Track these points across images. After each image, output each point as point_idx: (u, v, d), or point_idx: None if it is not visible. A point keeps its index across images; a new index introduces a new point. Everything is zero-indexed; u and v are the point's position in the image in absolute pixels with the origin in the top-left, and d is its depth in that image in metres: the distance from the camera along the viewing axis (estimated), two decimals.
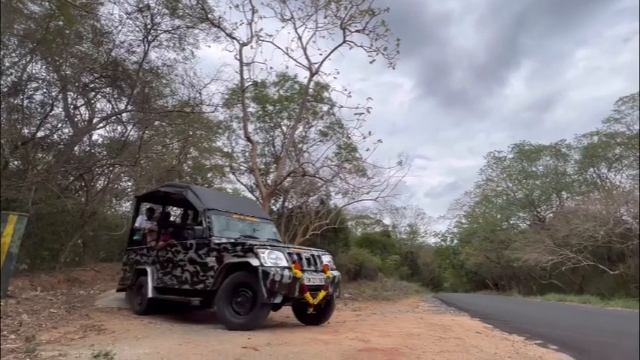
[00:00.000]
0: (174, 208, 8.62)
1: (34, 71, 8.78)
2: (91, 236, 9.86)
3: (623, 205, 17.25)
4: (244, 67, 11.36)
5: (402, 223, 37.18)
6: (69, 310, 5.19)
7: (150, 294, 5.38)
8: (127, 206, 13.75)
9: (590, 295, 15.26)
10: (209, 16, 10.61)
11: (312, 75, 11.59)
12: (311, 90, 13.70)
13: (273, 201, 15.36)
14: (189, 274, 4.96)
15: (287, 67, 13.88)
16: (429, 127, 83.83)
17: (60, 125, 9.65)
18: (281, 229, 13.28)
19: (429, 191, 68.81)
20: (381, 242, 26.60)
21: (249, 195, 16.21)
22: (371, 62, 10.85)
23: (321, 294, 4.61)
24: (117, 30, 9.49)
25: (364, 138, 11.42)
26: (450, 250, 39.50)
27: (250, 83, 11.91)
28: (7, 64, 8.09)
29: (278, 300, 4.20)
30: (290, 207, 16.20)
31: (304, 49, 11.30)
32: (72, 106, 9.82)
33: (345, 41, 11.00)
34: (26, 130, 8.61)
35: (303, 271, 4.47)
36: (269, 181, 14.58)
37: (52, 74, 8.98)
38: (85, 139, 10.32)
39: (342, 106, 12.35)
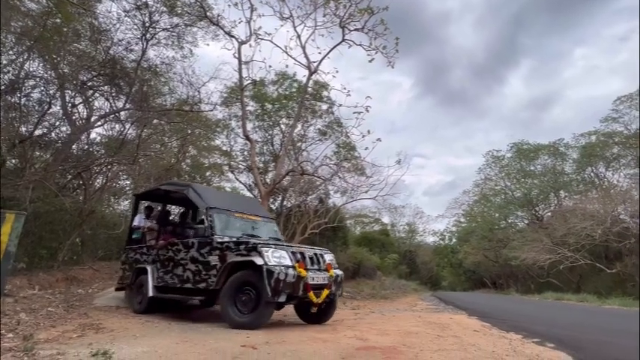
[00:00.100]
0: (173, 207, 8.60)
1: (31, 69, 8.74)
2: (89, 235, 9.83)
3: (621, 204, 17.33)
4: (243, 66, 11.34)
5: (400, 221, 37.29)
6: (67, 309, 5.18)
7: (150, 293, 5.36)
8: (125, 205, 13.72)
9: (588, 293, 15.36)
10: (208, 14, 10.57)
11: (311, 74, 11.57)
12: (310, 89, 13.68)
13: (271, 200, 15.36)
14: (191, 272, 4.94)
15: (287, 66, 13.88)
16: (428, 125, 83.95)
17: (58, 123, 9.62)
18: (280, 227, 13.27)
19: (427, 190, 68.97)
20: (380, 241, 26.65)
21: (248, 194, 16.20)
22: (370, 61, 10.86)
23: (325, 293, 4.61)
24: (115, 28, 9.47)
25: (363, 137, 11.43)
26: (448, 249, 39.62)
27: (249, 82, 11.88)
28: (5, 62, 8.04)
29: (282, 299, 4.19)
30: (289, 206, 16.20)
31: (303, 48, 11.29)
32: (70, 105, 9.78)
33: (344, 40, 10.99)
34: (24, 129, 8.57)
35: (306, 270, 4.47)
36: (268, 180, 14.57)
37: (49, 72, 8.94)
38: (82, 137, 10.29)
39: (341, 105, 12.38)
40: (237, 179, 17.13)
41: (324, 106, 15.09)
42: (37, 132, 8.86)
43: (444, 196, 71.68)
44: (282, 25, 11.28)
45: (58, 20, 7.99)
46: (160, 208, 7.37)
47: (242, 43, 11.26)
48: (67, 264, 8.42)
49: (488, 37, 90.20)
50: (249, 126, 14.31)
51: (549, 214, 26.03)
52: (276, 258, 4.29)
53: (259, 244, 4.42)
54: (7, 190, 7.01)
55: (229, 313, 4.30)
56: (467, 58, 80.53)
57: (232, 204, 5.74)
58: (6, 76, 8.14)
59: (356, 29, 10.81)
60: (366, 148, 11.83)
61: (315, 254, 4.91)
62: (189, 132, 12.64)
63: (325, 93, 14.65)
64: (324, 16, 10.95)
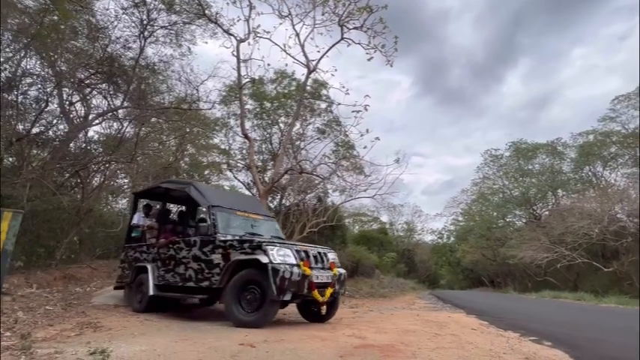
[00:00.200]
0: (171, 205, 8.58)
1: (28, 67, 8.70)
2: (87, 233, 9.81)
3: (618, 203, 17.41)
4: (242, 64, 11.30)
5: (399, 220, 37.31)
6: (65, 308, 5.16)
7: (151, 291, 5.33)
8: (123, 203, 13.69)
9: (585, 292, 15.43)
10: (206, 12, 10.53)
11: (309, 72, 11.55)
12: (309, 87, 13.66)
13: (270, 198, 15.33)
14: (193, 271, 4.92)
15: (286, 65, 13.88)
16: (427, 124, 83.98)
17: (55, 121, 9.58)
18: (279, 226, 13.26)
19: (426, 189, 69.04)
20: (378, 240, 26.65)
21: (246, 192, 16.19)
22: (369, 60, 10.83)
23: (329, 291, 4.63)
24: (113, 25, 9.41)
25: (362, 135, 11.44)
26: (446, 248, 39.74)
27: (248, 80, 11.85)
28: (1, 60, 7.99)
29: (287, 297, 4.19)
30: (287, 204, 16.20)
31: (302, 46, 11.27)
32: (67, 102, 9.74)
33: (342, 38, 10.97)
34: (21, 127, 8.54)
35: (311, 268, 4.47)
36: (266, 179, 14.56)
37: (46, 70, 8.89)
38: (80, 135, 10.25)
39: (339, 104, 12.37)
40: (236, 178, 17.12)
41: (323, 105, 15.07)
42: (35, 130, 8.83)
43: (442, 195, 72.00)
44: (280, 24, 11.27)
45: (55, 17, 7.94)
46: (158, 206, 7.36)
47: (241, 41, 11.23)
48: (64, 262, 8.40)
49: (487, 36, 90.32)
50: (247, 124, 14.30)
51: (547, 212, 26.12)
52: (281, 256, 4.28)
53: (264, 242, 4.41)
54: (5, 189, 6.98)
55: (234, 311, 4.29)
56: (465, 57, 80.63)
57: (234, 202, 5.73)
58: (3, 74, 8.09)
59: (355, 28, 10.80)
60: (364, 147, 11.81)
61: (319, 253, 4.92)
62: (188, 130, 12.61)
63: (324, 91, 14.64)
64: (323, 14, 10.94)
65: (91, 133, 10.96)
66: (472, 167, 53.75)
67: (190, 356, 2.77)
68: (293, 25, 11.19)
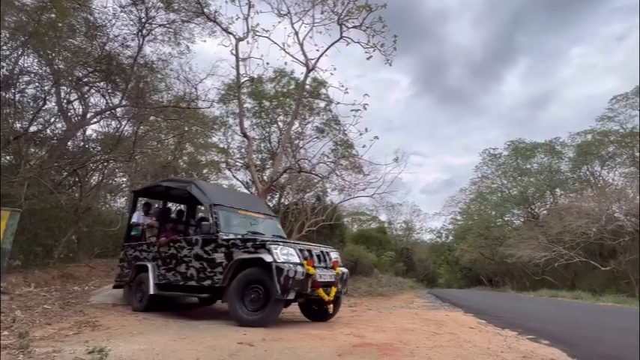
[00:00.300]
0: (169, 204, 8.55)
1: (26, 65, 8.66)
2: (86, 232, 9.79)
3: (616, 202, 17.48)
4: (240, 63, 11.27)
5: (397, 219, 37.36)
6: (63, 307, 5.15)
7: (151, 290, 5.31)
8: (121, 202, 13.66)
9: (582, 290, 15.51)
10: (205, 10, 10.49)
11: (308, 71, 11.53)
12: (308, 86, 13.65)
13: (269, 197, 15.33)
14: (195, 270, 4.90)
15: (285, 64, 13.80)
16: (426, 124, 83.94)
17: (53, 120, 9.54)
18: None
19: (424, 188, 69.08)
20: (377, 239, 26.69)
21: (245, 191, 16.18)
22: (368, 59, 10.81)
23: (334, 290, 4.64)
24: (111, 23, 9.38)
25: (361, 135, 11.40)
26: (444, 247, 39.82)
27: (247, 79, 11.82)
28: None
29: (291, 296, 4.18)
30: (286, 203, 16.20)
31: (301, 45, 11.23)
32: (65, 101, 9.70)
33: (341, 37, 10.95)
34: (18, 125, 8.50)
35: (314, 267, 4.47)
36: (265, 178, 14.55)
37: (44, 68, 8.85)
38: (78, 134, 10.22)
39: (338, 103, 12.34)
40: (235, 177, 17.10)
41: (322, 104, 15.07)
42: (32, 128, 8.79)
43: (441, 194, 72.07)
44: (279, 22, 11.26)
45: (53, 15, 7.90)
46: (156, 205, 7.34)
47: (239, 39, 11.19)
48: (62, 261, 8.38)
49: (486, 35, 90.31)
50: (246, 123, 14.27)
51: (545, 212, 26.21)
52: (285, 255, 4.28)
53: (267, 241, 4.41)
54: (2, 187, 6.94)
55: (238, 310, 4.28)
56: (464, 56, 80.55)
57: (235, 201, 5.71)
58: (0, 72, 8.05)
59: (354, 27, 10.78)
60: (363, 146, 11.77)
61: (322, 252, 4.92)
62: (186, 129, 12.59)
63: (323, 90, 14.62)
64: (322, 13, 10.91)
65: (89, 132, 10.94)
66: (471, 166, 53.98)
67: (189, 355, 2.76)
68: (292, 24, 11.17)
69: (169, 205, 7.66)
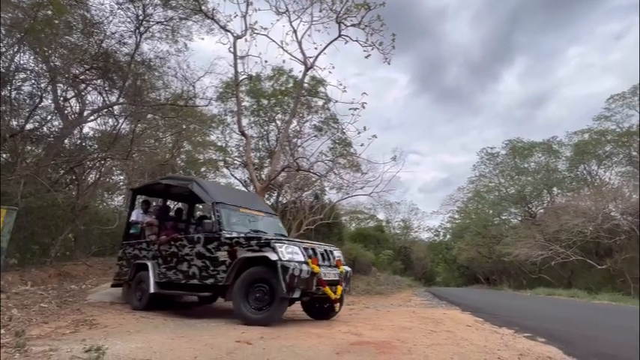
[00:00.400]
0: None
1: (22, 62, 8.59)
2: (83, 230, 9.74)
3: (612, 201, 17.59)
4: (238, 61, 11.25)
5: (395, 218, 37.45)
6: (60, 305, 5.14)
7: (152, 289, 5.27)
8: (119, 200, 13.62)
9: (578, 289, 15.61)
10: (202, 7, 10.44)
11: (307, 69, 11.51)
12: (306, 84, 13.62)
13: (267, 196, 15.32)
14: (197, 268, 4.88)
15: (284, 62, 13.76)
16: (424, 123, 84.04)
17: (49, 117, 9.47)
18: None
19: (422, 187, 69.22)
20: (375, 237, 26.75)
21: (243, 189, 16.15)
22: (366, 57, 10.80)
23: (340, 289, 4.66)
24: (108, 20, 9.31)
25: (359, 133, 11.41)
26: (442, 245, 39.96)
27: (245, 77, 11.79)
28: None
29: (296, 295, 4.18)
30: (284, 202, 16.20)
31: (299, 43, 11.21)
32: (62, 98, 9.64)
33: (340, 35, 10.93)
34: (15, 122, 8.43)
35: (318, 266, 4.46)
36: (263, 176, 14.53)
37: (40, 65, 8.78)
38: (75, 131, 10.16)
39: (336, 101, 12.32)
40: (233, 175, 17.09)
41: (320, 102, 15.05)
42: (29, 126, 8.72)
43: (438, 193, 72.15)
44: (278, 20, 11.19)
45: (49, 12, 7.83)
46: (154, 203, 7.30)
47: (237, 37, 11.16)
48: (59, 260, 8.33)
49: (484, 34, 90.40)
50: (244, 121, 14.23)
51: (542, 211, 26.34)
52: (290, 254, 4.27)
53: (272, 239, 4.40)
54: None
55: (243, 309, 4.26)
56: (463, 55, 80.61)
57: (236, 199, 5.68)
58: None
59: (352, 25, 10.76)
60: (361, 145, 11.79)
61: (325, 250, 4.92)
62: (184, 127, 12.55)
63: (321, 89, 14.60)
64: (321, 11, 10.90)
65: (86, 130, 10.88)
66: (469, 165, 54.12)
67: (186, 353, 2.76)
68: (290, 22, 11.14)
69: (168, 203, 7.62)
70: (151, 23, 9.89)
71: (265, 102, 15.83)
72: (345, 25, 10.81)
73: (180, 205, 8.13)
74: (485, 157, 30.33)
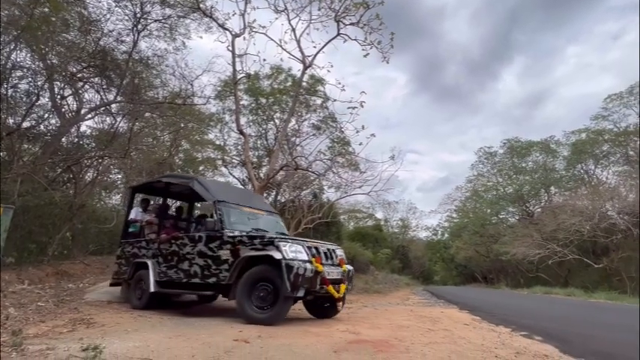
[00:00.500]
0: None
1: (18, 59, 8.52)
2: (80, 229, 9.70)
3: (609, 200, 17.67)
4: (237, 59, 11.19)
5: (394, 217, 37.56)
6: (57, 304, 5.12)
7: (152, 288, 5.23)
8: (116, 199, 13.57)
9: (575, 287, 15.70)
10: (201, 5, 10.39)
11: (305, 68, 11.48)
12: (305, 83, 13.61)
13: (265, 194, 15.31)
14: (199, 267, 4.84)
15: (282, 60, 13.76)
16: (422, 122, 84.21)
17: (46, 116, 9.41)
18: None
19: (421, 186, 69.39)
20: (373, 236, 26.82)
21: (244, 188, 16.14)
22: (365, 56, 10.77)
23: (343, 287, 4.65)
24: (105, 18, 9.25)
25: (357, 132, 11.40)
26: (440, 244, 40.09)
27: (243, 75, 11.75)
28: None
29: (301, 294, 4.16)
30: (283, 201, 16.20)
31: (298, 42, 11.18)
32: (59, 96, 9.58)
33: (339, 34, 10.90)
34: (11, 121, 8.38)
35: (322, 264, 4.45)
36: (261, 175, 14.52)
37: (37, 63, 8.72)
38: (72, 130, 10.10)
39: (335, 100, 12.30)
40: (231, 174, 17.07)
41: (319, 101, 15.04)
42: (26, 124, 8.67)
43: (437, 192, 72.32)
44: (276, 19, 11.16)
45: (46, 9, 7.78)
46: (152, 202, 7.27)
47: (236, 35, 11.11)
48: (57, 258, 8.30)
49: (483, 33, 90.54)
50: (242, 120, 14.21)
51: (539, 210, 26.46)
52: (293, 252, 4.25)
53: (276, 238, 4.38)
54: None
55: (246, 309, 4.24)
56: (461, 54, 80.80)
57: (237, 197, 5.65)
58: None
59: (351, 23, 10.73)
60: (360, 144, 11.79)
61: (328, 249, 4.91)
62: (182, 126, 12.51)
63: (320, 87, 14.59)
64: (319, 9, 10.87)
65: (83, 128, 10.81)
66: (467, 164, 54.34)
67: (184, 352, 2.76)
68: (289, 20, 11.11)
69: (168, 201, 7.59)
70: (149, 21, 9.83)
71: (264, 100, 15.81)
72: (343, 23, 10.80)
73: (179, 203, 8.12)
74: (483, 156, 30.47)
